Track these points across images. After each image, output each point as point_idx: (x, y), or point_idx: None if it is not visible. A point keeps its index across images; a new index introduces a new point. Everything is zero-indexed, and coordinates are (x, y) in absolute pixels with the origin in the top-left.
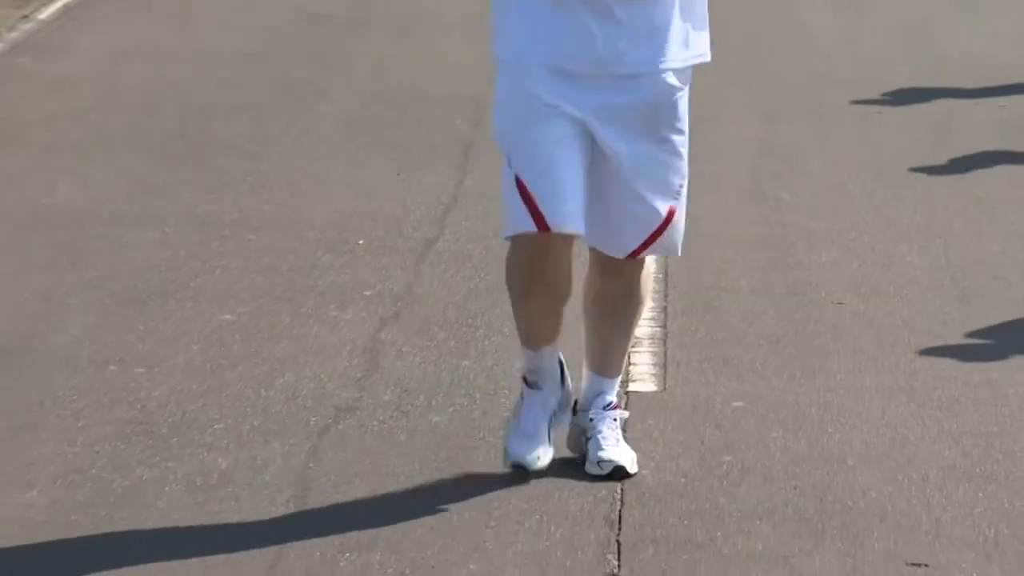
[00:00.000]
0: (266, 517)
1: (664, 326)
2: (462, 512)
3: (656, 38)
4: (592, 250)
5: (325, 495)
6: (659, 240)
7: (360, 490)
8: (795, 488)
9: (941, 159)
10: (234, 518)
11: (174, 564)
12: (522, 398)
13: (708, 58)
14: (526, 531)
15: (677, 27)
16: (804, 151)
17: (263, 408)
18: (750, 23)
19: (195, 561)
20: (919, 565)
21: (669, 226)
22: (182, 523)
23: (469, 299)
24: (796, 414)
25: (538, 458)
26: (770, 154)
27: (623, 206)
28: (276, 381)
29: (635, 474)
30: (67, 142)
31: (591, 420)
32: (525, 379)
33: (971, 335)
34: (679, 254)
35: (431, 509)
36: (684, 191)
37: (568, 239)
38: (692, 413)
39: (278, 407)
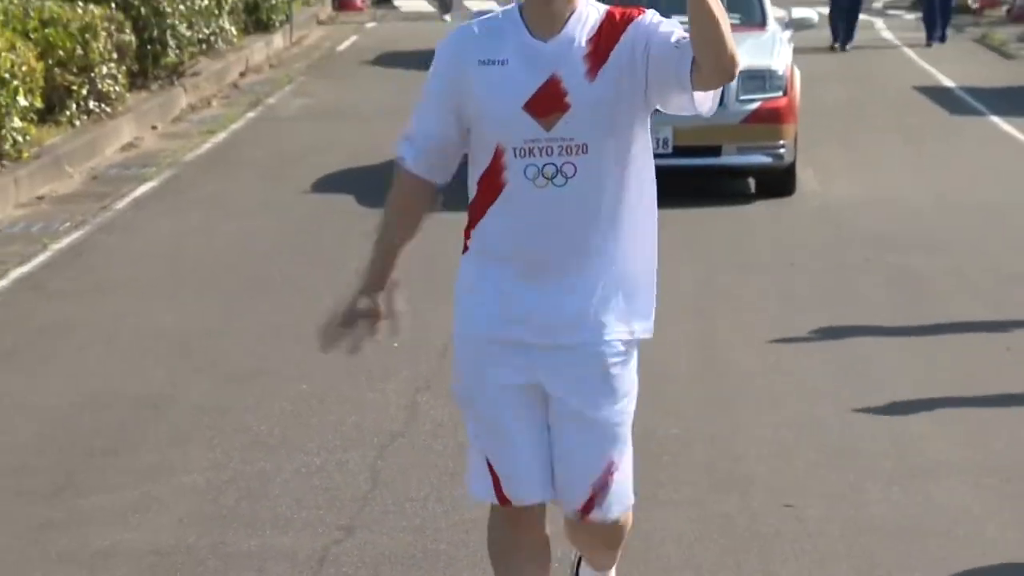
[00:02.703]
0: (352, 487)
1: None
2: None
3: (607, 307)
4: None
5: (390, 476)
6: (606, 493)
7: (413, 474)
8: (709, 472)
9: (837, 291)
10: (330, 486)
11: (296, 508)
12: None
13: (651, 333)
14: None
15: (629, 297)
16: (732, 291)
17: (340, 434)
18: (685, 209)
19: (308, 506)
20: (789, 505)
21: (613, 478)
22: (296, 492)
23: None
24: (713, 435)
25: None
26: (706, 291)
27: (568, 459)
28: (347, 420)
29: None
30: (156, 290)
31: None
32: None
33: (844, 395)
34: (629, 506)
35: (464, 483)
36: (628, 446)
37: (538, 506)
38: (640, 435)
39: (351, 434)
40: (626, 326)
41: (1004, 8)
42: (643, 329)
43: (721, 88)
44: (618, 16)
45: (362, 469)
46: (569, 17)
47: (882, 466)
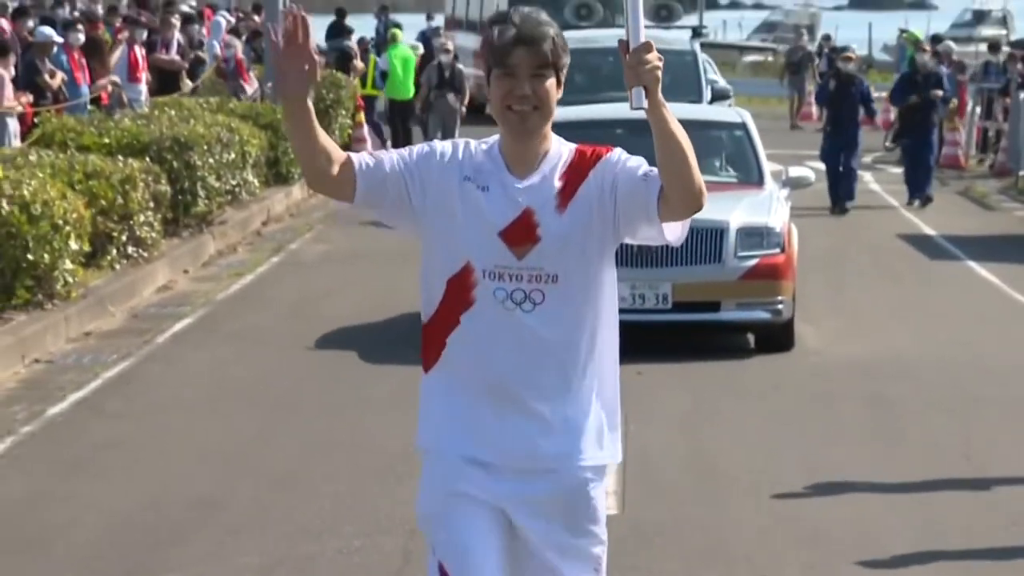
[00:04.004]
0: (388, 564)
1: (621, 482)
2: None
3: (571, 434)
4: None
5: (420, 555)
6: None
7: None
8: (697, 550)
9: (819, 414)
10: (369, 563)
11: None
12: None
13: (619, 459)
14: None
15: (593, 425)
16: (723, 412)
17: (375, 522)
18: (683, 363)
19: None
20: None
21: None
22: (339, 568)
23: None
24: (701, 520)
25: None
26: (698, 412)
27: None
28: (380, 511)
29: None
30: (199, 410)
31: None
32: None
33: (816, 490)
34: None
35: None
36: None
37: None
38: (637, 520)
39: (383, 522)
40: (595, 452)
41: (987, 164)
42: (611, 454)
43: (690, 218)
44: (588, 153)
45: (395, 550)
46: (543, 156)
47: (848, 546)
